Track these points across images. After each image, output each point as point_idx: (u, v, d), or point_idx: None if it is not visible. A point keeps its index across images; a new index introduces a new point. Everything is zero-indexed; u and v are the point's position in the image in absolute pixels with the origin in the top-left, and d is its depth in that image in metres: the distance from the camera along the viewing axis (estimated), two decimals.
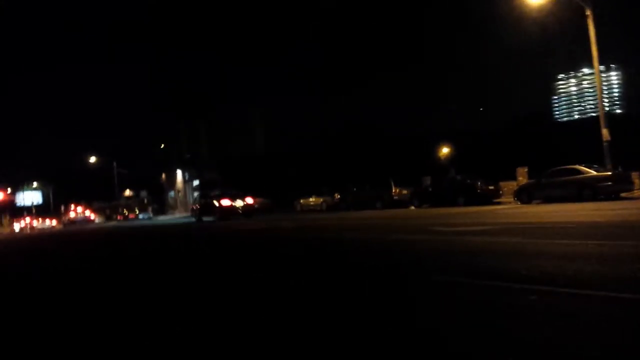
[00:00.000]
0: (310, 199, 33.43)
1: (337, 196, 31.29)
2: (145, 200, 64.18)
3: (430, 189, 26.03)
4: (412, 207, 25.41)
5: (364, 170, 34.36)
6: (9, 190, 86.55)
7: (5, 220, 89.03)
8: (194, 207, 36.22)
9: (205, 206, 31.48)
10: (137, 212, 55.51)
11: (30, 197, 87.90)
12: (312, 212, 30.54)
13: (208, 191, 47.65)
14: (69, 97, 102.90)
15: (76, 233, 30.96)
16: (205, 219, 30.84)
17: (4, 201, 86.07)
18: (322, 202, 32.42)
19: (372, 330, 3.35)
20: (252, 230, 16.88)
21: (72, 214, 66.74)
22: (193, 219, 34.30)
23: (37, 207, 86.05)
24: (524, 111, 37.28)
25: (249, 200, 30.66)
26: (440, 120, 38.08)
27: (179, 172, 60.79)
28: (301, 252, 9.20)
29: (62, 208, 78.20)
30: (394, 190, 27.74)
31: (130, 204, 63.87)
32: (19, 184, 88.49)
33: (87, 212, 66.04)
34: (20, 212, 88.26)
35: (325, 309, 4.15)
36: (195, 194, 55.30)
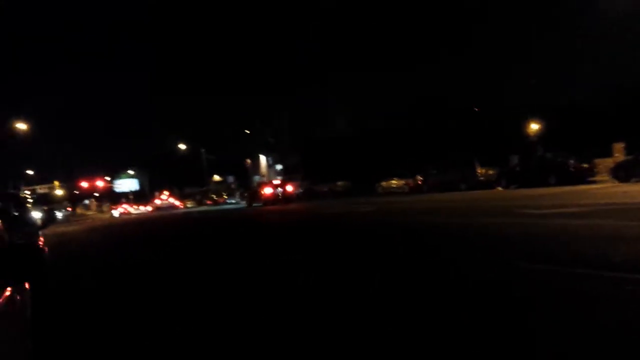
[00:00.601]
0: (392, 181, 33.20)
1: (419, 178, 30.85)
2: (233, 185, 66.62)
3: (518, 169, 24.96)
4: (499, 188, 24.54)
5: (447, 151, 33.53)
6: (108, 178, 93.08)
7: (106, 207, 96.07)
8: (246, 195, 42.25)
9: (254, 194, 37.10)
10: (225, 197, 57.73)
11: (127, 184, 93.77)
12: (393, 194, 30.39)
13: (291, 175, 48.81)
14: (160, 90, 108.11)
15: (166, 218, 32.89)
16: (254, 204, 35.83)
17: (104, 188, 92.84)
18: (403, 184, 32.11)
19: (455, 329, 3.36)
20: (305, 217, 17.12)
21: (157, 201, 69.73)
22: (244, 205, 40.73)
23: (134, 193, 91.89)
24: (620, 82, 34.42)
25: (289, 188, 35.72)
26: (527, 94, 36.35)
27: (262, 157, 62.48)
28: (378, 241, 9.24)
29: (156, 194, 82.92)
30: (478, 171, 26.92)
31: (218, 189, 66.50)
32: (117, 172, 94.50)
33: (172, 199, 68.41)
34: (118, 198, 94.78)
35: (410, 304, 4.20)
36: (279, 178, 56.73)
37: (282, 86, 53.85)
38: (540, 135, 39.51)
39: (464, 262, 5.74)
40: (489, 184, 25.92)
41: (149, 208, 66.00)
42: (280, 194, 34.31)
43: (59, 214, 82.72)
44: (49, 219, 13.70)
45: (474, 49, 39.70)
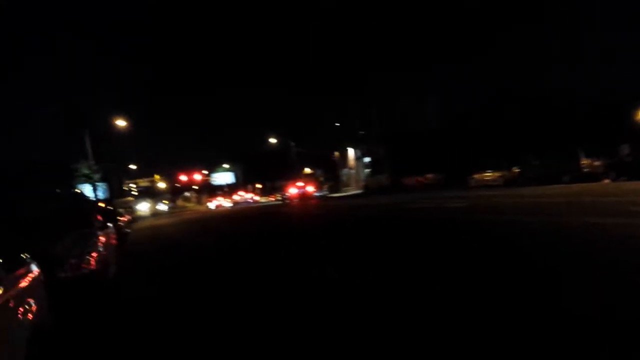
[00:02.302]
0: (486, 174, 31.25)
1: (516, 170, 28.83)
2: (321, 178, 66.87)
3: (629, 159, 22.52)
4: (607, 181, 22.29)
5: (547, 140, 31.02)
6: (206, 171, 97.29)
7: (204, 199, 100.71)
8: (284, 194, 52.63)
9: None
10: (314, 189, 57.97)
11: (223, 177, 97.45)
12: (487, 187, 28.63)
13: (379, 168, 48.02)
14: (252, 84, 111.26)
15: (246, 210, 33.48)
16: (286, 201, 47.11)
17: (202, 181, 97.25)
18: (498, 177, 30.12)
19: None
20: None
21: (235, 197, 74.18)
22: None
23: (230, 186, 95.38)
24: None
25: (309, 188, 47.45)
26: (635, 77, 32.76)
27: (350, 150, 62.01)
28: (463, 245, 8.40)
29: (248, 187, 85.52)
30: (583, 162, 24.63)
31: (314, 181, 67.05)
32: (214, 166, 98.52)
33: (249, 195, 72.59)
34: (215, 191, 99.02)
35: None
36: (367, 170, 56.01)
37: (370, 80, 52.75)
38: None
39: (567, 277, 4.86)
40: (595, 176, 23.65)
41: (251, 198, 70.19)
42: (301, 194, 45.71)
43: (164, 207, 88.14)
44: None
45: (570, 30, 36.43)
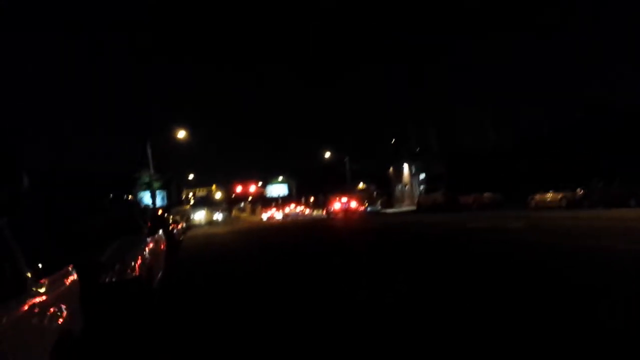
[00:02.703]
0: (547, 195, 29.85)
1: (580, 191, 27.39)
2: (375, 193, 66.33)
3: None
4: None
5: (612, 160, 29.31)
6: (260, 183, 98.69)
7: (258, 209, 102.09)
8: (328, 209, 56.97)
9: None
10: (367, 204, 57.50)
11: (277, 189, 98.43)
12: (548, 209, 27.35)
13: (434, 185, 47.05)
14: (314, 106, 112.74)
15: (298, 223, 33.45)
16: (330, 215, 50.31)
17: (256, 193, 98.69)
18: (561, 198, 28.67)
19: None
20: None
21: (287, 209, 75.15)
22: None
23: (283, 198, 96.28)
24: None
25: (352, 204, 52.02)
26: None
27: (405, 166, 61.22)
28: (518, 272, 7.88)
29: (303, 199, 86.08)
30: None
31: (362, 196, 66.75)
32: (269, 178, 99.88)
33: (299, 208, 73.14)
34: (269, 202, 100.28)
35: None
36: (422, 187, 55.02)
37: (429, 96, 52.14)
38: None
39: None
40: None
41: (304, 211, 71.14)
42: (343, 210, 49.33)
43: (219, 216, 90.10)
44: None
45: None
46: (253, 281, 8.80)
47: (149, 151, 42.62)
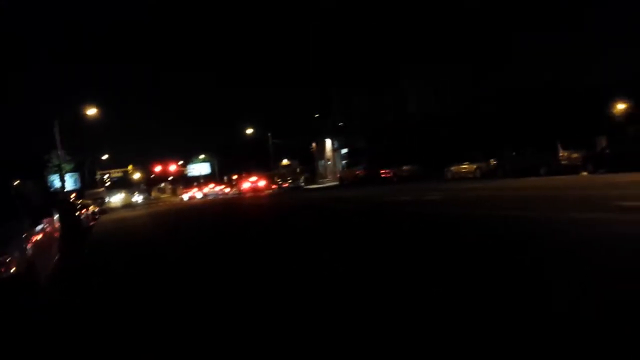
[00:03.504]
0: (462, 166, 30.77)
1: (493, 162, 28.41)
2: (298, 170, 65.95)
3: (607, 151, 22.21)
4: (585, 174, 21.97)
5: (524, 132, 30.60)
6: (181, 162, 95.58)
7: (179, 190, 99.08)
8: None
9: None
10: (290, 182, 57.09)
11: (199, 168, 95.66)
12: (464, 180, 28.19)
13: (356, 159, 47.41)
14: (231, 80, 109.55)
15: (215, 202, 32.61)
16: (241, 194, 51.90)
17: (177, 172, 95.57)
18: (475, 169, 29.68)
19: None
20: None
21: (205, 189, 73.14)
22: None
23: (205, 177, 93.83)
24: None
25: (260, 183, 56.35)
26: (620, 68, 32.22)
27: (328, 141, 61.23)
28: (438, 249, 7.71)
29: (225, 178, 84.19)
30: (561, 154, 24.28)
31: (283, 173, 66.15)
32: (190, 157, 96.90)
33: (219, 187, 71.32)
34: (191, 182, 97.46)
35: None
36: (344, 162, 55.33)
37: (352, 73, 51.76)
38: (630, 114, 35.53)
39: (558, 283, 4.16)
40: (573, 168, 23.34)
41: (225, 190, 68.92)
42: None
43: (137, 198, 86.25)
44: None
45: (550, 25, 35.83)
46: (162, 268, 8.06)
47: (57, 131, 39.78)
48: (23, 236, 6.38)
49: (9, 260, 5.44)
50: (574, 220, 7.53)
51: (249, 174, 63.18)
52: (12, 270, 5.43)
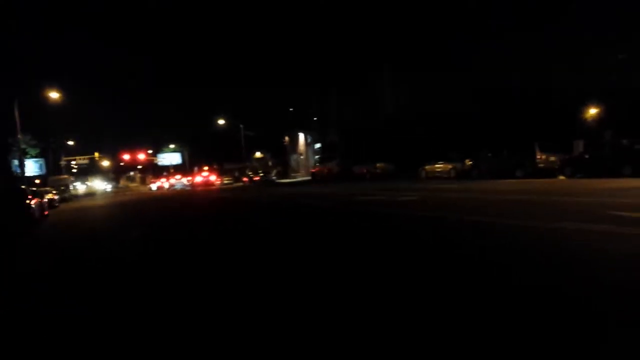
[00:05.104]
0: (437, 166, 30.01)
1: (469, 162, 27.71)
2: (270, 163, 64.71)
3: (585, 156, 21.65)
4: (562, 177, 21.38)
5: (500, 133, 30.02)
6: (151, 151, 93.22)
7: (148, 179, 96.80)
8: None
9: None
10: (261, 174, 55.80)
11: (170, 158, 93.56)
12: (438, 180, 27.41)
13: (329, 155, 46.39)
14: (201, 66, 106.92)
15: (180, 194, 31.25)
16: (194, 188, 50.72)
17: (146, 161, 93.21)
18: (450, 169, 28.95)
19: None
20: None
21: (172, 180, 70.76)
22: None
23: (175, 167, 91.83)
24: None
25: (212, 177, 62.32)
26: (598, 74, 31.97)
27: (301, 135, 60.11)
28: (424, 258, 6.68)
29: (196, 169, 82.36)
30: (538, 157, 23.66)
31: (255, 166, 64.84)
32: (160, 146, 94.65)
33: (186, 178, 69.25)
34: (161, 172, 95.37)
35: None
36: (316, 157, 54.30)
37: (331, 70, 50.57)
38: (603, 118, 35.33)
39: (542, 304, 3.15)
40: (549, 171, 22.78)
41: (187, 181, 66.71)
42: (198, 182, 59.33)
43: (104, 186, 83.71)
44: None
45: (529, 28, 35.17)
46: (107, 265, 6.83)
47: (17, 112, 37.76)
48: None
49: None
50: (554, 229, 6.59)
51: (201, 169, 70.95)
52: None
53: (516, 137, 26.90)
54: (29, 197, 18.56)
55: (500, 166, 24.80)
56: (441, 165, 29.70)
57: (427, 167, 30.65)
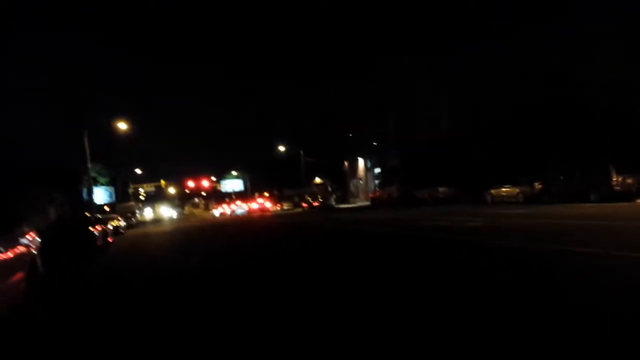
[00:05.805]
0: (503, 189, 28.68)
1: (538, 185, 26.25)
2: (329, 188, 64.50)
3: None
4: None
5: (572, 154, 28.17)
6: (214, 178, 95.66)
7: (212, 205, 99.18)
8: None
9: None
10: (321, 200, 55.53)
11: (232, 184, 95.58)
12: (505, 204, 26.11)
13: (389, 179, 45.62)
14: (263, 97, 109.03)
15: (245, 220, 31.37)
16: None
17: (210, 188, 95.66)
18: (518, 193, 27.52)
19: None
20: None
21: (233, 206, 72.00)
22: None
23: (237, 193, 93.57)
24: None
25: (267, 204, 66.51)
26: None
27: (360, 160, 59.67)
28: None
29: (256, 195, 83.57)
30: (614, 179, 22.04)
31: (315, 191, 64.82)
32: (223, 172, 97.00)
33: (245, 205, 69.98)
34: (224, 198, 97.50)
35: None
36: (376, 181, 53.61)
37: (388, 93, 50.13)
38: None
39: None
40: (626, 195, 21.10)
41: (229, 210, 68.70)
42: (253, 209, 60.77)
43: (170, 213, 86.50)
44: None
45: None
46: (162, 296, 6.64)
47: (87, 142, 39.59)
48: None
49: None
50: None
51: (260, 195, 75.34)
52: None
53: (588, 157, 25.17)
54: (93, 224, 18.99)
55: (572, 189, 23.31)
56: (508, 189, 28.37)
57: (492, 190, 29.38)
